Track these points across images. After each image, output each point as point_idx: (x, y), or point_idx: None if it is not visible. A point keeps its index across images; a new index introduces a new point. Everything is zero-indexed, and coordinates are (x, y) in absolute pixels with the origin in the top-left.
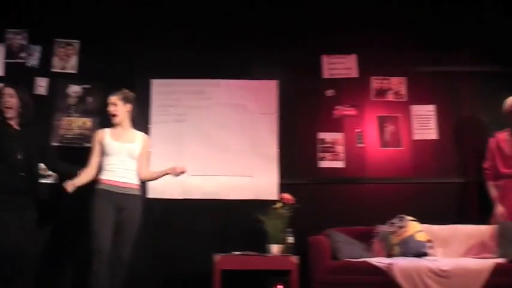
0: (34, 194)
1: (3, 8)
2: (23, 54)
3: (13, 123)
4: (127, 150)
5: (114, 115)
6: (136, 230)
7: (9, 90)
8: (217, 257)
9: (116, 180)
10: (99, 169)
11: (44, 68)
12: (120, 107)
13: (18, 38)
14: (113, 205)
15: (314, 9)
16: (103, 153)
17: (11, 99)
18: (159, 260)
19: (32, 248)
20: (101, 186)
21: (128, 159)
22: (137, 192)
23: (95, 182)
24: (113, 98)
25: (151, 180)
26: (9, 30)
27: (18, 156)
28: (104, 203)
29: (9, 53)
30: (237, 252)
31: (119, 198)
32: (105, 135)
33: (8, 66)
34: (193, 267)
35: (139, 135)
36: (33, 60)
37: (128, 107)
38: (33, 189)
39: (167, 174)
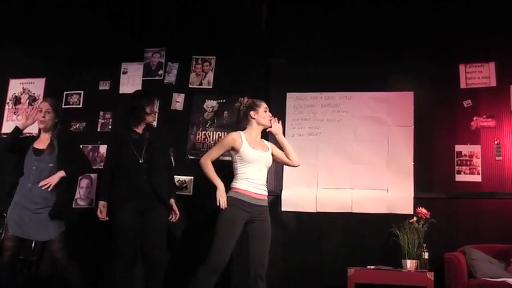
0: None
1: (142, 28)
2: (160, 72)
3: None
4: (264, 159)
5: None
6: (268, 243)
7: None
8: (351, 271)
9: (254, 192)
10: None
11: (181, 84)
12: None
13: (156, 57)
14: (244, 219)
15: (449, 17)
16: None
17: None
18: (293, 272)
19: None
20: (237, 196)
21: (264, 168)
22: (267, 203)
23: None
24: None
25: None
26: (148, 49)
27: (140, 161)
28: (236, 217)
29: (148, 71)
30: (372, 267)
31: (254, 209)
32: (242, 140)
33: (145, 84)
34: (326, 280)
35: (267, 144)
36: (171, 77)
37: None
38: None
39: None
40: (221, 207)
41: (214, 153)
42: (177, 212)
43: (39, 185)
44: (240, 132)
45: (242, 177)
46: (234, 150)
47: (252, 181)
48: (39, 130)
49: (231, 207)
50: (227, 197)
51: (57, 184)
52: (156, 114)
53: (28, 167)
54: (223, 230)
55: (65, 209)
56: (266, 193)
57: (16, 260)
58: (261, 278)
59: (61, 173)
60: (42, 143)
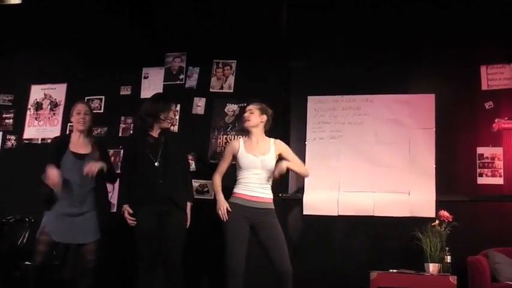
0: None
1: (163, 33)
2: (181, 76)
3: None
4: (261, 163)
5: (247, 120)
6: (283, 242)
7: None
8: (374, 274)
9: (249, 194)
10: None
11: (202, 89)
12: (255, 116)
13: (177, 61)
14: (247, 221)
15: (470, 19)
16: (238, 165)
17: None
18: (315, 276)
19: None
20: (234, 200)
21: (262, 172)
22: (271, 206)
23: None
24: (251, 106)
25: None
26: (169, 53)
27: (156, 164)
28: (237, 218)
29: (169, 76)
30: (394, 270)
31: (253, 213)
32: (240, 146)
33: (166, 88)
34: (349, 283)
35: (272, 144)
36: (192, 82)
37: (263, 118)
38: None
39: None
40: (221, 218)
41: (222, 166)
42: (189, 217)
43: (84, 173)
44: (241, 138)
45: (239, 182)
46: (234, 157)
47: (248, 185)
48: (64, 133)
49: (231, 213)
50: (228, 202)
51: (97, 173)
52: (175, 120)
53: (71, 172)
54: (228, 233)
55: (109, 211)
56: (267, 196)
57: (46, 265)
58: (286, 277)
59: (102, 164)
60: (80, 147)
